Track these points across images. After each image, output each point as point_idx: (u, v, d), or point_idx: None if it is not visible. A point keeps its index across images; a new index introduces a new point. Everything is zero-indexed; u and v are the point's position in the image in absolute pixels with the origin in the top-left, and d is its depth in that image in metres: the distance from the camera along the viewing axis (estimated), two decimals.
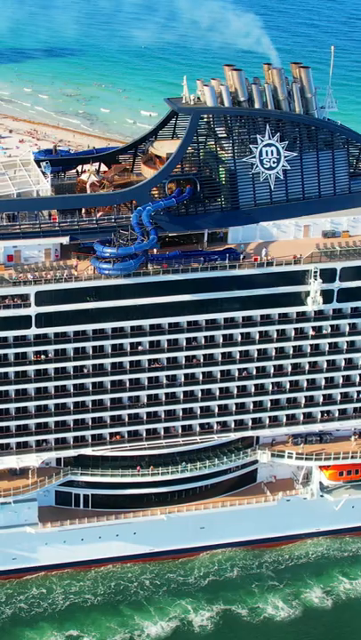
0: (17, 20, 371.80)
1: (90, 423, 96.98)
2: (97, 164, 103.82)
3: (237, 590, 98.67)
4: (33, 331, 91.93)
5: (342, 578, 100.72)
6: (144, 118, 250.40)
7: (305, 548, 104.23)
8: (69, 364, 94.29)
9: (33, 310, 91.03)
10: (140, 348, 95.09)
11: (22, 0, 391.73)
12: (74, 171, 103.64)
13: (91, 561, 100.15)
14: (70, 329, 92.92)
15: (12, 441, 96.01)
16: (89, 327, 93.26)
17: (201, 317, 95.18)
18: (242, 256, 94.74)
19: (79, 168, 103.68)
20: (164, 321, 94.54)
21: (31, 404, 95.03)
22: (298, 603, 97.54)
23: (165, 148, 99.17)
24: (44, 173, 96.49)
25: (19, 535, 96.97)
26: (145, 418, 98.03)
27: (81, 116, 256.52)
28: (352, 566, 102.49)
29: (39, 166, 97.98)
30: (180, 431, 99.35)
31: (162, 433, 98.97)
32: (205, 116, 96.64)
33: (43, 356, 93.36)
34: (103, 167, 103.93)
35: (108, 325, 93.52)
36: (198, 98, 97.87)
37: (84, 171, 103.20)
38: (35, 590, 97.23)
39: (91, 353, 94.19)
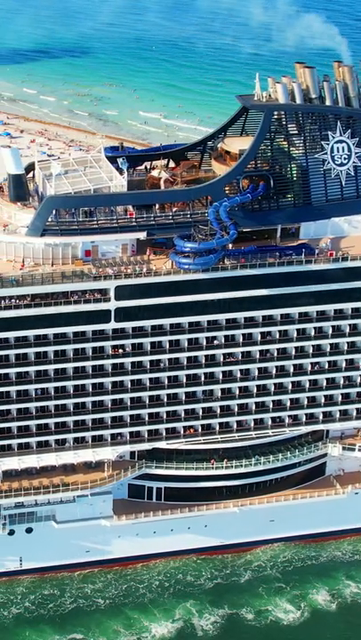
0: (31, 20, 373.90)
1: (164, 417, 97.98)
2: (165, 160, 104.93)
3: (244, 592, 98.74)
4: (112, 325, 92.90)
5: (348, 581, 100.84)
6: (155, 119, 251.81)
7: (310, 549, 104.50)
8: (146, 358, 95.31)
9: (112, 305, 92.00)
10: (215, 342, 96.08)
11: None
12: (141, 167, 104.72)
13: (161, 554, 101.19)
14: (148, 323, 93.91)
15: (88, 434, 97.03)
16: (166, 321, 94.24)
17: (275, 312, 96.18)
18: (317, 251, 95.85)
19: (147, 165, 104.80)
20: (240, 315, 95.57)
21: (107, 398, 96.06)
22: (305, 605, 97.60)
23: (236, 144, 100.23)
24: (119, 169, 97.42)
25: (93, 528, 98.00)
26: (218, 411, 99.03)
27: (92, 116, 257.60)
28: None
29: (113, 162, 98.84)
30: (252, 425, 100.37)
31: (235, 426, 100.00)
32: (277, 112, 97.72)
33: (120, 350, 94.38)
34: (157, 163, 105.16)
35: (184, 320, 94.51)
36: (270, 95, 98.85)
37: (153, 167, 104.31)
38: (46, 591, 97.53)
39: (167, 347, 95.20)
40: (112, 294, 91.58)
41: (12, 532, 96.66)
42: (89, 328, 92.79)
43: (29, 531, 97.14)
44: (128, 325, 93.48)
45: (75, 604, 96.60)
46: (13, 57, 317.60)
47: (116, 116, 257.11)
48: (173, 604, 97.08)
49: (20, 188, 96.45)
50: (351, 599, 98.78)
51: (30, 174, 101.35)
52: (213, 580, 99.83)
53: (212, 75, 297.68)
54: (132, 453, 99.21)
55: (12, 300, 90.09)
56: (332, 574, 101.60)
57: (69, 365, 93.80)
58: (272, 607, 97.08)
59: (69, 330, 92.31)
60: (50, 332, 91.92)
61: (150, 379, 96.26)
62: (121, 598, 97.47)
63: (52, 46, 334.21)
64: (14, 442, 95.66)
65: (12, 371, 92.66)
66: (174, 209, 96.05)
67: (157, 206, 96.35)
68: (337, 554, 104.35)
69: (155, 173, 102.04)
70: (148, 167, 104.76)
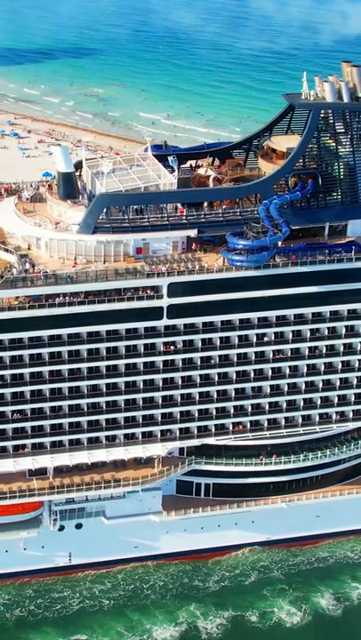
0: (40, 20, 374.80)
1: (214, 413, 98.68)
2: (210, 158, 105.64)
3: (248, 594, 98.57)
4: (164, 322, 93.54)
5: (354, 583, 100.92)
6: (162, 118, 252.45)
7: (314, 550, 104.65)
8: (196, 355, 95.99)
9: (165, 302, 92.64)
10: (265, 339, 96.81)
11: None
12: (185, 165, 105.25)
13: (208, 549, 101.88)
14: (199, 320, 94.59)
15: (138, 431, 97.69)
16: (217, 318, 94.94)
17: (324, 309, 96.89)
18: None
19: (192, 163, 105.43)
20: (289, 312, 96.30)
21: (158, 395, 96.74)
22: (308, 607, 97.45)
23: (284, 142, 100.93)
24: (169, 167, 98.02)
25: (142, 523, 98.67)
26: (267, 408, 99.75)
27: (100, 116, 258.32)
28: None
29: (163, 161, 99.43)
30: (300, 421, 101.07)
31: (283, 423, 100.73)
32: (324, 111, 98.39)
33: (172, 347, 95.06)
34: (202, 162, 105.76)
35: (235, 317, 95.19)
36: (317, 94, 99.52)
37: (199, 165, 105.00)
38: (55, 594, 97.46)
39: (218, 344, 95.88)
40: (165, 291, 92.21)
41: (61, 528, 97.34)
42: (141, 325, 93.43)
43: (79, 526, 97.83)
44: (180, 322, 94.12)
45: (80, 606, 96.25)
46: (20, 57, 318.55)
47: (125, 116, 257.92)
48: (177, 606, 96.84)
49: (69, 186, 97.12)
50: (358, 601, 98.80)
51: (77, 173, 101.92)
52: (220, 582, 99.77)
53: (218, 75, 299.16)
54: (181, 449, 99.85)
55: (66, 297, 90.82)
56: (337, 576, 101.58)
57: (121, 362, 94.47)
58: (276, 609, 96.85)
59: (122, 327, 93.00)
60: (102, 328, 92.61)
61: (200, 375, 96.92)
62: (126, 600, 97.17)
63: (59, 47, 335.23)
64: (65, 438, 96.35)
65: (65, 367, 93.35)
66: (223, 207, 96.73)
67: (206, 204, 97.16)
68: (340, 554, 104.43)
69: (201, 171, 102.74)
70: (193, 165, 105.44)
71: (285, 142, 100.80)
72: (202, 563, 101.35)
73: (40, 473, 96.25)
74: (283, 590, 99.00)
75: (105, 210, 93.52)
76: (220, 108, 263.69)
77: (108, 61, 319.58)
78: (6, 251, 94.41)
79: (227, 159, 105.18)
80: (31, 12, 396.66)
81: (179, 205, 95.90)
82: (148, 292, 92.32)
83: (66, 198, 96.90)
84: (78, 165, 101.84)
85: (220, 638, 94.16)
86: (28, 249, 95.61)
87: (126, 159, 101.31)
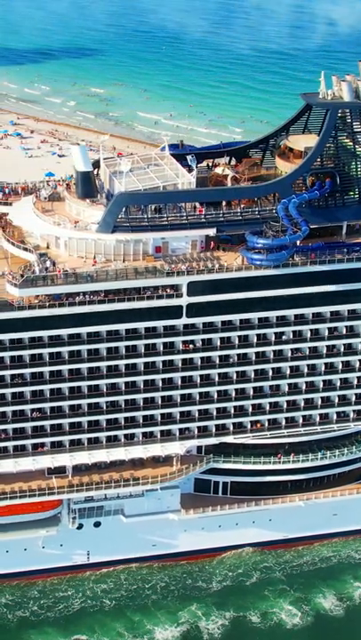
0: (42, 20, 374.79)
1: (232, 411, 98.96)
2: (227, 158, 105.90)
3: (249, 595, 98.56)
4: (183, 320, 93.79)
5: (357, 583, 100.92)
6: (165, 118, 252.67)
7: (317, 551, 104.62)
8: (215, 354, 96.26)
9: (185, 300, 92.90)
10: (283, 337, 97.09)
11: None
12: (203, 164, 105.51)
13: (225, 547, 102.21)
14: (218, 319, 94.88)
15: (157, 429, 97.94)
16: (235, 317, 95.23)
17: (343, 308, 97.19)
18: None
19: (209, 162, 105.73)
20: (308, 311, 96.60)
21: (176, 393, 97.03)
22: (309, 608, 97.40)
23: (301, 141, 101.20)
24: (186, 167, 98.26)
25: (161, 522, 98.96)
26: (285, 406, 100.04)
27: (102, 115, 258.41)
28: None
29: (179, 160, 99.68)
30: (317, 419, 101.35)
31: (300, 421, 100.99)
32: (342, 110, 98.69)
33: (190, 346, 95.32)
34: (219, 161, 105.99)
35: (254, 315, 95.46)
36: (334, 93, 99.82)
37: (215, 165, 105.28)
38: (59, 594, 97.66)
39: (236, 342, 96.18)
40: (184, 290, 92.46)
41: (80, 527, 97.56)
42: (160, 324, 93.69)
43: (97, 525, 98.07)
44: (199, 321, 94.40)
45: (82, 606, 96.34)
46: (22, 58, 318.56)
47: (127, 116, 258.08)
48: (178, 607, 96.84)
49: (88, 185, 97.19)
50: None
51: (95, 172, 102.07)
52: (222, 582, 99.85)
53: (220, 75, 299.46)
54: (199, 448, 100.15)
55: (86, 296, 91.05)
56: (340, 576, 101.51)
57: (140, 361, 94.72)
58: (278, 609, 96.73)
59: (141, 325, 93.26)
60: (122, 327, 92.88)
61: (219, 374, 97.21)
62: (127, 600, 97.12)
63: (61, 47, 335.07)
64: (84, 436, 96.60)
65: (84, 366, 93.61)
66: (241, 206, 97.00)
67: (224, 203, 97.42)
68: (343, 555, 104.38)
69: (218, 171, 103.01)
70: (210, 165, 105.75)
71: (303, 141, 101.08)
72: (204, 563, 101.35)
73: (58, 471, 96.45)
74: (284, 591, 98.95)
75: (124, 209, 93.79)
76: (222, 108, 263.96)
77: (109, 61, 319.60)
78: (25, 249, 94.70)
79: (243, 158, 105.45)
80: (32, 12, 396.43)
81: (197, 204, 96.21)
82: (168, 290, 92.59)
83: (84, 197, 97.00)
84: (95, 164, 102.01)
85: (222, 639, 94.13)
86: (47, 248, 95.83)
87: (144, 158, 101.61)
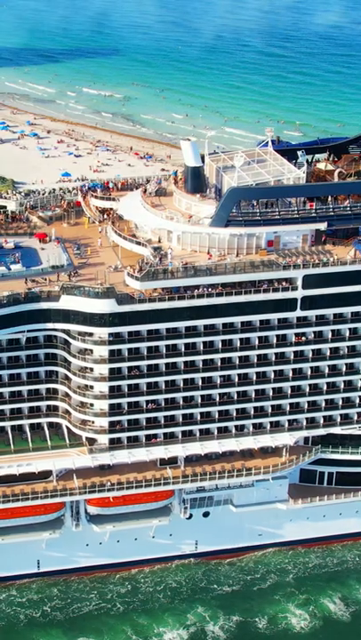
0: (60, 20, 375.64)
1: (340, 403, 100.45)
2: (326, 154, 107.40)
3: (256, 598, 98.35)
4: (297, 313, 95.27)
5: None
6: (181, 119, 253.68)
7: (322, 554, 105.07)
8: (325, 346, 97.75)
9: (299, 293, 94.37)
10: None
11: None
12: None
13: (329, 537, 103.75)
14: (330, 312, 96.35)
15: (266, 420, 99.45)
16: (347, 310, 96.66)
17: None
18: None
19: (307, 158, 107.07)
20: None
21: (287, 385, 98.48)
22: (317, 611, 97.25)
23: None
24: (294, 162, 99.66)
25: (268, 512, 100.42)
26: None
27: (119, 115, 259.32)
28: None
29: (292, 156, 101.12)
30: None
31: None
32: None
33: (303, 338, 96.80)
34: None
35: None
36: None
37: (316, 161, 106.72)
38: (74, 594, 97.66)
39: (347, 335, 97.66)
40: (299, 283, 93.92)
41: (190, 517, 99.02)
42: (274, 316, 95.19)
43: (206, 515, 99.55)
44: (312, 314, 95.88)
45: (90, 607, 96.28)
46: (39, 58, 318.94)
47: (144, 116, 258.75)
48: (186, 609, 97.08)
49: (198, 180, 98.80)
50: None
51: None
52: (232, 585, 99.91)
53: (236, 76, 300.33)
54: (306, 439, 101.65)
55: (204, 289, 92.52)
56: (345, 580, 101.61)
57: (253, 353, 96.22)
58: (286, 613, 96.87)
59: (256, 318, 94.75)
60: (237, 319, 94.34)
61: (329, 366, 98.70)
62: (138, 603, 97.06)
63: (78, 47, 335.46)
64: (196, 427, 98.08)
65: (199, 358, 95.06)
66: (350, 200, 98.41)
67: (330, 198, 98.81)
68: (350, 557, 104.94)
69: (320, 166, 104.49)
70: (310, 160, 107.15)
71: None
72: (216, 564, 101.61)
73: (170, 462, 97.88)
74: (292, 594, 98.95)
75: (236, 203, 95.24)
76: (238, 108, 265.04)
77: (126, 62, 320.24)
78: (138, 243, 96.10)
79: (343, 154, 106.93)
80: (51, 13, 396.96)
81: (306, 199, 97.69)
82: (283, 283, 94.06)
83: (194, 192, 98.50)
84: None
85: None
86: (159, 242, 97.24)
87: (249, 154, 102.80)
